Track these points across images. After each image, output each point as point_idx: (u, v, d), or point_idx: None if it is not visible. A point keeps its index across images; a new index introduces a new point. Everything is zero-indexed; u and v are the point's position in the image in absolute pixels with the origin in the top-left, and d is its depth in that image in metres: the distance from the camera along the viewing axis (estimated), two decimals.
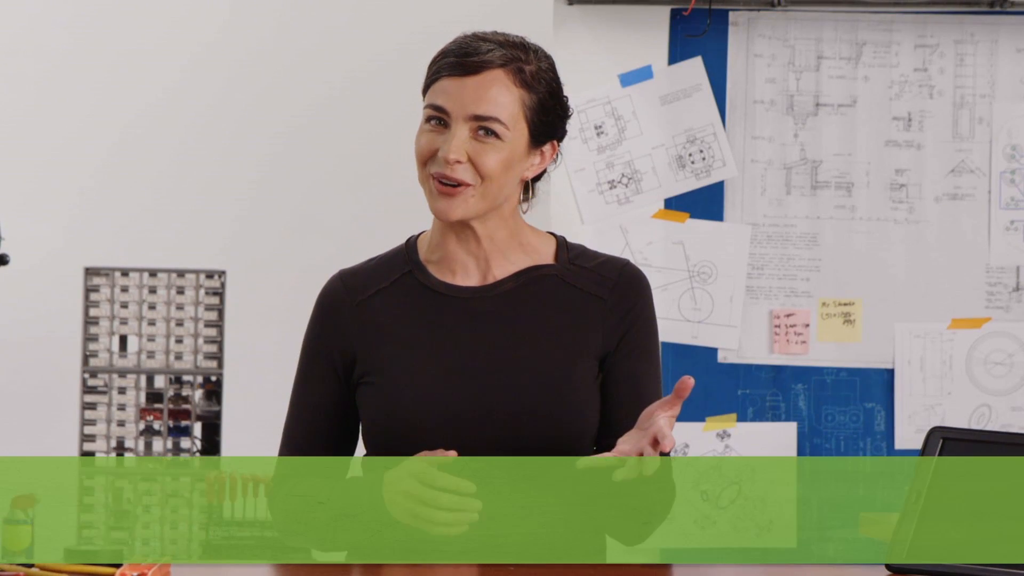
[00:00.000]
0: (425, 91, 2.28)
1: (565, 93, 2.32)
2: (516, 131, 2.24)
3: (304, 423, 2.34)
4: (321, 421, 2.33)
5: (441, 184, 2.23)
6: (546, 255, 2.34)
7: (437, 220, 2.30)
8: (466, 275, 2.31)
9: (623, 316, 2.30)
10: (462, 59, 2.23)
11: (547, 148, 2.30)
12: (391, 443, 2.24)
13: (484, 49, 2.24)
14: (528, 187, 2.35)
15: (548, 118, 2.28)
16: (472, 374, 2.24)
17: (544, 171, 2.34)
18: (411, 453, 2.21)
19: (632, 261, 2.38)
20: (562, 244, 2.36)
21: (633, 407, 2.23)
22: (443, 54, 2.26)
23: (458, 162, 2.22)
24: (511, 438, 2.21)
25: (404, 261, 2.34)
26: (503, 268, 2.31)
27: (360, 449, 2.37)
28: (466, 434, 2.21)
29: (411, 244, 2.36)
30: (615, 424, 2.27)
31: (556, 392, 2.24)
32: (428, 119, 2.26)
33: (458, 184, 2.23)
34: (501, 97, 2.23)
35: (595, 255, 2.36)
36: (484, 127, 2.22)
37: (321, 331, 2.33)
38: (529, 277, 2.31)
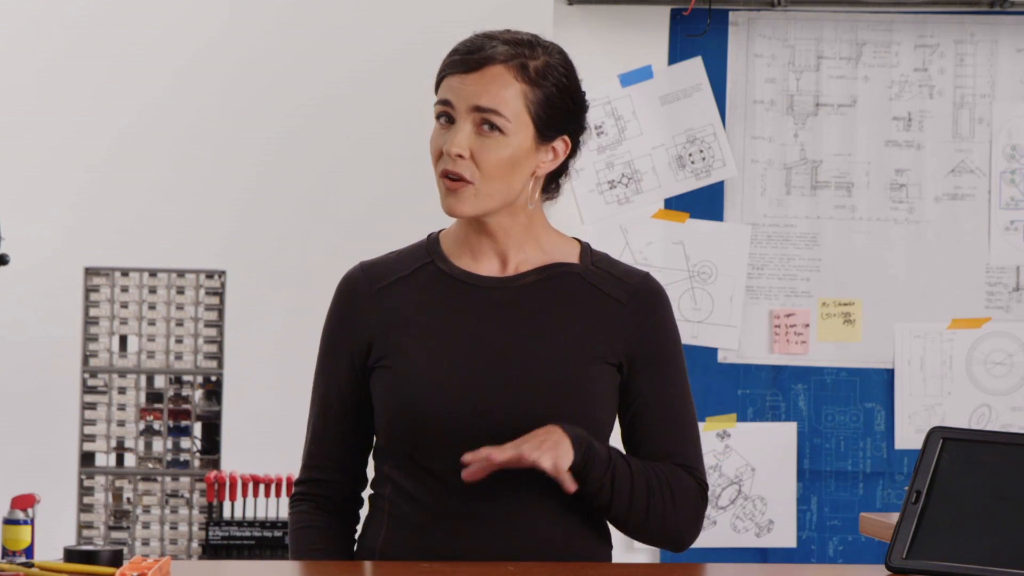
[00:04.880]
0: (436, 93, 2.30)
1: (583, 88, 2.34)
2: (519, 125, 2.25)
3: (326, 417, 2.35)
4: (342, 410, 2.33)
5: (447, 180, 2.25)
6: (569, 255, 2.35)
7: None
8: (488, 266, 2.32)
9: (641, 324, 2.31)
10: (465, 56, 2.26)
11: (559, 144, 2.30)
12: (400, 428, 2.25)
13: (488, 46, 2.26)
14: (549, 183, 2.35)
15: (554, 112, 2.28)
16: (486, 364, 2.25)
17: (565, 168, 2.34)
18: (420, 439, 2.22)
19: (652, 274, 2.39)
20: (586, 248, 2.37)
21: (660, 429, 2.29)
22: (450, 54, 2.29)
23: (459, 156, 2.24)
24: (520, 430, 2.21)
25: (425, 252, 2.35)
26: (524, 262, 2.32)
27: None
28: (474, 424, 2.22)
29: (432, 238, 2.38)
30: (638, 440, 2.30)
31: (568, 393, 2.24)
32: (437, 117, 2.29)
33: (459, 179, 2.24)
34: (503, 91, 2.25)
35: (617, 263, 2.38)
36: (487, 120, 2.24)
37: (339, 319, 2.34)
38: (552, 273, 2.32)
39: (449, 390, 2.24)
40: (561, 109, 2.29)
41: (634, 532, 2.32)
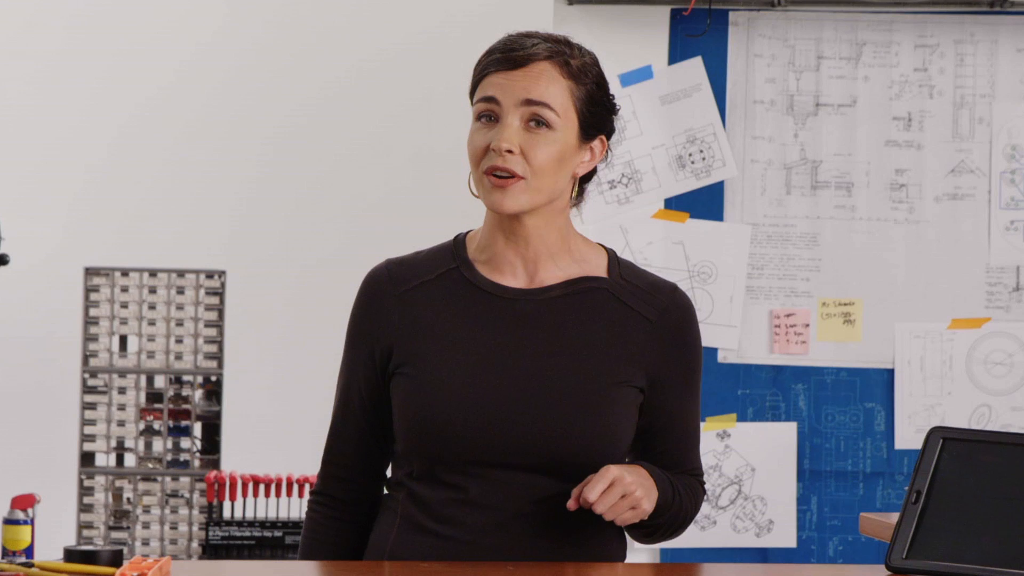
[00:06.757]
0: (472, 93, 2.27)
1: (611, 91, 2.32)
2: (566, 121, 2.23)
3: (346, 414, 2.33)
4: (361, 408, 2.31)
5: (495, 177, 2.22)
6: (597, 266, 2.32)
7: (488, 219, 2.29)
8: (513, 276, 2.29)
9: (671, 344, 2.29)
10: (508, 54, 2.23)
11: (596, 145, 2.29)
12: (419, 437, 2.23)
13: (529, 44, 2.24)
14: (576, 188, 2.33)
15: (597, 110, 2.26)
16: (508, 377, 2.23)
17: (595, 172, 2.33)
18: (439, 449, 2.21)
19: (679, 286, 2.37)
20: (613, 258, 2.35)
21: (677, 442, 2.30)
22: (489, 52, 2.26)
23: (509, 151, 2.20)
24: (537, 447, 2.20)
25: (451, 256, 2.31)
26: (551, 273, 2.29)
27: None
28: (493, 436, 2.20)
29: (459, 241, 2.34)
30: (656, 454, 2.30)
31: (588, 413, 2.22)
32: (479, 116, 2.24)
33: (510, 176, 2.21)
34: (551, 86, 2.22)
35: (644, 273, 2.35)
36: (536, 116, 2.21)
37: (362, 317, 2.32)
38: (579, 287, 2.29)
39: (467, 404, 2.22)
40: (601, 107, 2.28)
41: (649, 542, 2.34)
